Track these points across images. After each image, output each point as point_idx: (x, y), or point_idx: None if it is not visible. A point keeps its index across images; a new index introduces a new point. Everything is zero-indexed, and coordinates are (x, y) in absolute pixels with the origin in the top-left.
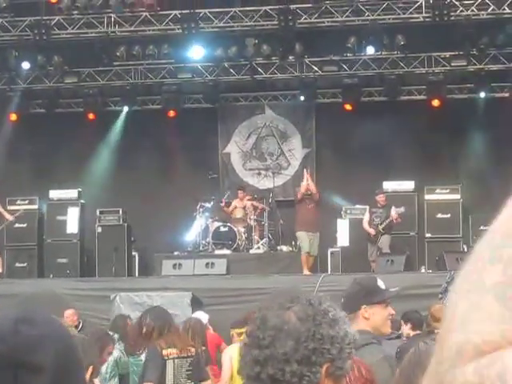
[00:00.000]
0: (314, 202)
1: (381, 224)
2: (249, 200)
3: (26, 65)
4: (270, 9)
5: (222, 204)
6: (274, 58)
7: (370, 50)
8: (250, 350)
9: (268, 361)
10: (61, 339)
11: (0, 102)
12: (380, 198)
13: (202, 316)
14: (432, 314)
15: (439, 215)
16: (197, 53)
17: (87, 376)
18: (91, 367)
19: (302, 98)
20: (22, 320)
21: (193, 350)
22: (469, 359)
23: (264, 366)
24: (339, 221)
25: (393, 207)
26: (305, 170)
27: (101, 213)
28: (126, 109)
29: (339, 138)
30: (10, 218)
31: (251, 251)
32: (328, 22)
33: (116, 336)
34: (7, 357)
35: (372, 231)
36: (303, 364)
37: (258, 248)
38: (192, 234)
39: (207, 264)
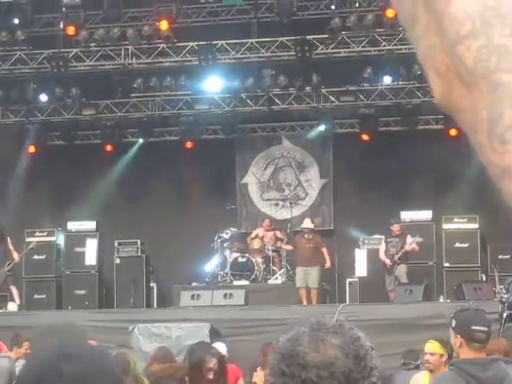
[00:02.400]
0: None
1: (396, 254)
2: (271, 230)
3: (43, 97)
4: (287, 40)
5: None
6: (290, 88)
7: (387, 80)
8: None
9: None
10: (106, 374)
11: (18, 134)
12: (394, 227)
13: (221, 347)
14: None
15: (457, 244)
16: (214, 84)
17: None
18: None
19: (319, 128)
20: (65, 357)
21: None
22: None
23: None
24: (357, 251)
25: (408, 236)
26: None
27: (119, 244)
28: (140, 140)
29: (356, 167)
30: (16, 259)
31: (269, 282)
32: (344, 52)
33: None
34: None
35: (388, 261)
36: None
37: (276, 279)
38: (210, 265)
39: (225, 295)
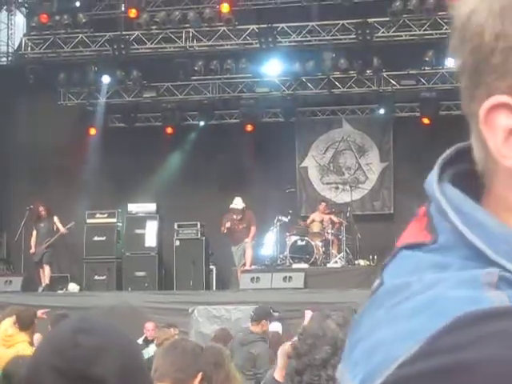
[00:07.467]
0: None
1: None
2: (328, 214)
3: (105, 79)
4: (348, 23)
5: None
6: (351, 71)
7: (449, 64)
8: (291, 362)
9: (306, 369)
10: (122, 348)
11: (80, 117)
12: None
13: (277, 326)
14: None
15: None
16: (274, 67)
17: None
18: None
19: (380, 111)
20: (81, 330)
21: None
22: None
23: (303, 375)
24: None
25: None
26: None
27: (179, 226)
28: (201, 123)
29: (417, 151)
30: (63, 230)
31: (328, 265)
32: (406, 35)
33: None
34: (66, 371)
35: None
36: None
37: (336, 262)
38: (269, 248)
39: (285, 278)
